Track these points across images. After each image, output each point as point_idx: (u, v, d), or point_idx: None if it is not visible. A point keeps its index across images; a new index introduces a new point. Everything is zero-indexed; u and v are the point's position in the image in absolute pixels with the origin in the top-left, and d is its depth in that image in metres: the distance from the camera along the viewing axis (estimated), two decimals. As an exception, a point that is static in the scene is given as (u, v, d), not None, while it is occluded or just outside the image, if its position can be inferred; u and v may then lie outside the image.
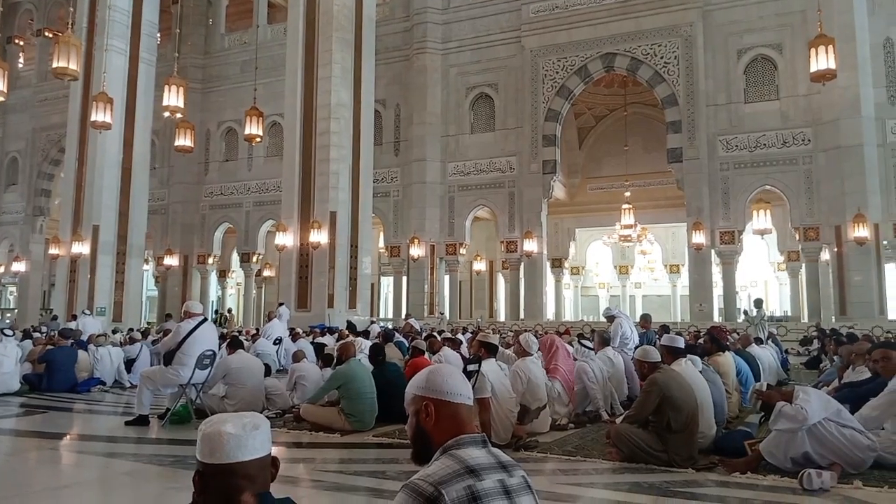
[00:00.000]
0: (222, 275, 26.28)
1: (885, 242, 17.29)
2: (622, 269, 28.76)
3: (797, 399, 4.52)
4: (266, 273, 26.59)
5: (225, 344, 7.71)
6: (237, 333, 13.59)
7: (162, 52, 22.74)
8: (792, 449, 4.47)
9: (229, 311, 25.00)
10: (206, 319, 6.93)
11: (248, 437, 1.59)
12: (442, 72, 22.33)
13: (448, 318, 21.49)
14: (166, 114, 15.07)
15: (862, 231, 16.92)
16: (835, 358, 8.89)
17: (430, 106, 22.10)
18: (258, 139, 17.14)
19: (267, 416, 6.85)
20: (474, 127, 22.20)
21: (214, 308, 26.77)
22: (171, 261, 25.16)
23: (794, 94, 18.35)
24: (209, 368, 6.77)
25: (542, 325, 18.16)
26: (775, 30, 18.78)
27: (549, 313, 23.67)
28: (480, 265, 27.13)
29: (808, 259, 18.83)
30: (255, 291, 26.32)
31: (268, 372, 7.56)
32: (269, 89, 20.88)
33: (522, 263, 21.25)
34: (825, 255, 18.57)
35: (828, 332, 13.52)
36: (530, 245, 20.75)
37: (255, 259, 24.50)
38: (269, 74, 21.60)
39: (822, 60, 11.62)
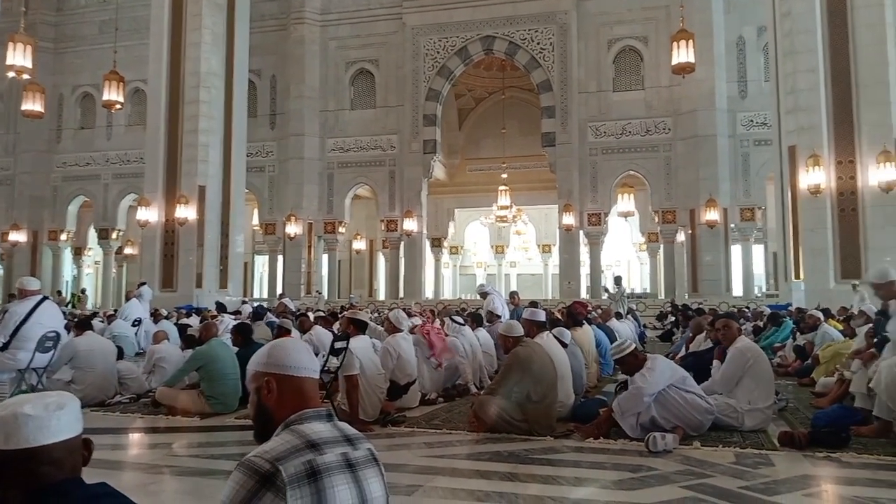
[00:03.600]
0: (78, 252, 24.27)
1: (732, 225, 18.90)
2: (498, 249, 29.55)
3: (646, 365, 4.82)
4: (128, 251, 24.86)
5: (73, 325, 7.11)
6: (93, 315, 12.66)
7: (7, 6, 20.34)
8: (641, 415, 4.76)
9: (83, 291, 23.15)
10: (45, 298, 6.34)
11: (50, 417, 1.43)
12: (321, 44, 21.73)
13: (326, 297, 21.17)
14: (11, 74, 13.54)
15: (713, 215, 18.38)
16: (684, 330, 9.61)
17: (309, 79, 21.47)
18: (118, 106, 15.93)
19: (120, 401, 6.46)
20: (354, 103, 21.84)
21: (71, 291, 24.73)
22: (18, 236, 22.91)
23: (657, 84, 19.51)
24: (52, 351, 6.21)
25: (421, 304, 18.30)
26: (642, 23, 19.83)
27: (429, 292, 23.91)
28: (360, 244, 26.90)
29: (665, 240, 20.23)
30: (115, 270, 24.53)
31: (121, 355, 7.07)
32: (132, 53, 19.34)
33: (402, 242, 21.29)
34: (681, 237, 20.02)
35: (680, 307, 14.62)
36: (410, 224, 20.81)
37: (114, 235, 22.77)
38: (131, 37, 20.01)
39: (682, 54, 12.37)
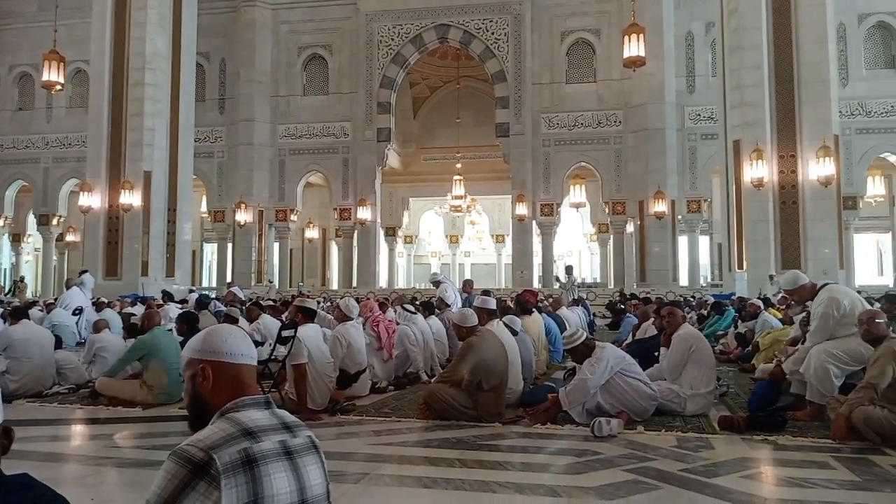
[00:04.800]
0: (16, 239, 23.32)
1: (679, 217, 19.37)
2: (453, 239, 29.63)
3: (595, 354, 4.89)
4: (69, 238, 24.02)
5: (8, 313, 6.82)
6: (32, 303, 12.20)
7: (-65, -22, 19.44)
8: (588, 401, 4.84)
9: (21, 279, 22.28)
10: (-22, 285, 6.07)
11: (-29, 408, 1.37)
12: (272, 28, 21.31)
13: (277, 286, 20.87)
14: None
15: (661, 206, 18.79)
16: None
17: (259, 63, 21.04)
18: (59, 87, 15.36)
19: (59, 392, 6.24)
20: (307, 89, 21.51)
21: (11, 279, 23.75)
22: (-48, 222, 21.88)
23: (608, 77, 19.79)
24: (-16, 341, 5.96)
25: (375, 293, 18.21)
26: (594, 16, 20.06)
27: (383, 281, 23.82)
28: (313, 232, 26.60)
29: (615, 231, 20.62)
30: (56, 258, 23.68)
31: (59, 344, 6.82)
32: (73, 32, 18.71)
33: (356, 231, 21.13)
34: (630, 228, 20.40)
35: (628, 296, 14.92)
36: (364, 213, 20.66)
37: (55, 222, 21.97)
38: (72, 15, 19.28)
39: (633, 48, 12.54)
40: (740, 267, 14.48)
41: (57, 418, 5.47)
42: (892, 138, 18.28)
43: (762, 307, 8.94)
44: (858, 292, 6.41)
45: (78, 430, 5.37)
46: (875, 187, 19.49)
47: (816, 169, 13.57)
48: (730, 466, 3.85)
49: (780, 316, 8.65)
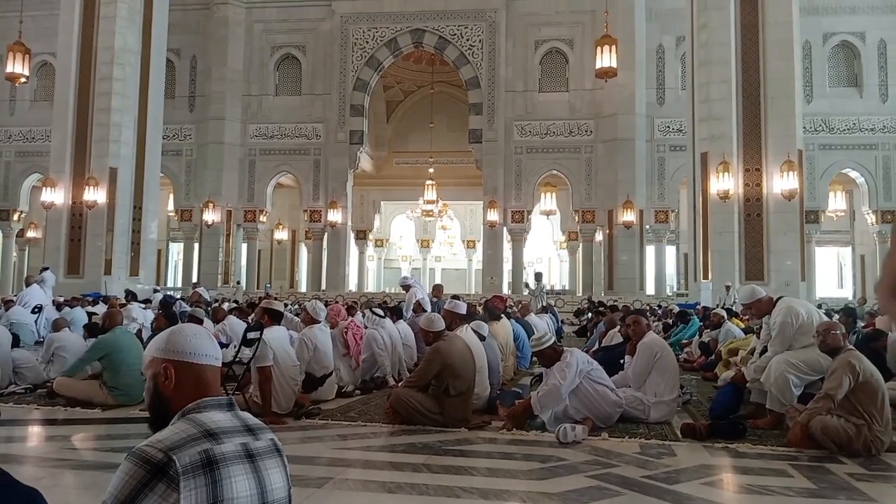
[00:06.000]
0: (-25, 234, 22.66)
1: (647, 227, 19.64)
2: (424, 243, 29.60)
3: (564, 360, 4.92)
4: (31, 234, 23.42)
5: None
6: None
7: None
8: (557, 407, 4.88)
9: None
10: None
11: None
12: (246, 26, 21.13)
13: (245, 287, 20.61)
14: None
15: (629, 216, 19.04)
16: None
17: (231, 62, 20.83)
18: (23, 80, 14.99)
19: (15, 392, 6.07)
20: (279, 89, 21.35)
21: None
22: None
23: (580, 87, 20.01)
24: (-63, 338, 5.77)
25: (344, 296, 18.10)
26: (568, 26, 20.28)
27: (352, 284, 23.70)
28: (282, 234, 26.35)
29: (584, 239, 20.83)
30: (16, 254, 23.07)
31: (17, 342, 6.64)
32: (40, 23, 18.29)
33: (326, 234, 21.00)
34: (599, 236, 20.63)
35: (596, 304, 15.06)
36: (335, 215, 20.55)
37: (16, 217, 21.45)
38: (39, 6, 18.86)
39: (606, 58, 12.73)
40: (705, 277, 14.71)
41: (13, 419, 5.32)
42: (854, 154, 18.82)
43: (726, 317, 9.10)
44: (819, 305, 6.58)
45: (34, 431, 5.23)
46: (836, 202, 20.01)
47: (780, 183, 13.89)
48: (691, 473, 3.90)
49: (743, 326, 8.82)
